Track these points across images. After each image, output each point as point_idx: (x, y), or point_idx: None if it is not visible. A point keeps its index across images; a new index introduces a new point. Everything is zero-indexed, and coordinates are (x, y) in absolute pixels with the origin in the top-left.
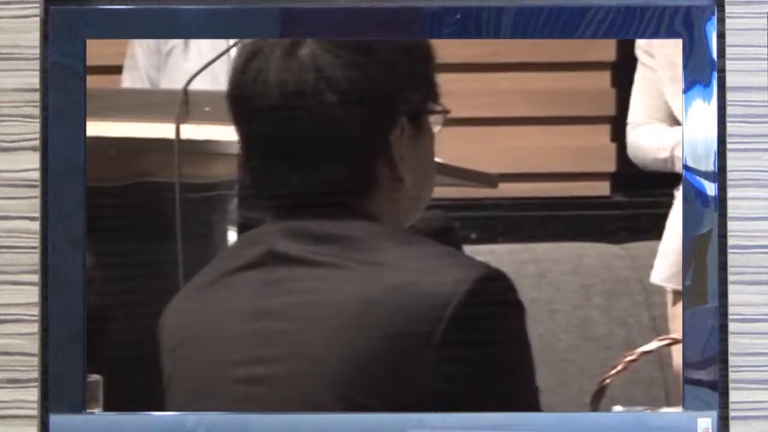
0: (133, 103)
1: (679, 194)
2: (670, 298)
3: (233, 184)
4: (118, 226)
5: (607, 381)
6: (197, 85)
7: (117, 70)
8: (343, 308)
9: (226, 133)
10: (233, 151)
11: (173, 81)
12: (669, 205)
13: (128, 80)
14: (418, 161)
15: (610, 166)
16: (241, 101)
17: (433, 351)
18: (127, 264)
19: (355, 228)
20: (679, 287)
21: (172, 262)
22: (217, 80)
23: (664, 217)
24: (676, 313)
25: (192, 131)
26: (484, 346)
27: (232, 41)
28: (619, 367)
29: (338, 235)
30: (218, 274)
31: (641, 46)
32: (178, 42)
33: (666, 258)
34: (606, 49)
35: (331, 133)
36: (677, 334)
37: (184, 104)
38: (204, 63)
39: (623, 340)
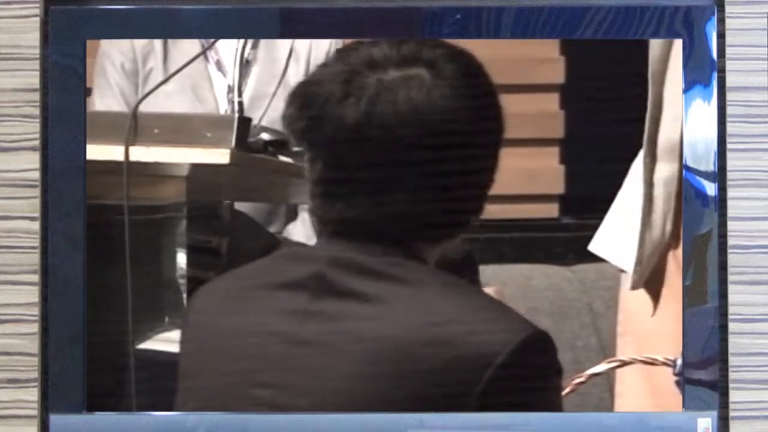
0: None
1: (634, 165)
2: (623, 281)
3: (182, 206)
4: None
5: None
6: (179, 106)
7: None
8: (378, 350)
9: (175, 155)
10: (182, 173)
11: (153, 103)
12: None
13: (99, 101)
14: None
15: (559, 188)
16: (331, 123)
17: (467, 407)
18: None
19: (407, 269)
20: (622, 266)
21: (121, 285)
22: (200, 100)
23: None
24: (627, 300)
25: (141, 153)
26: (519, 408)
27: (209, 58)
28: (568, 389)
29: (389, 273)
30: (257, 284)
31: None
32: (156, 64)
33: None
34: (555, 71)
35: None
36: (623, 324)
37: (133, 126)
38: (183, 84)
39: (571, 362)
